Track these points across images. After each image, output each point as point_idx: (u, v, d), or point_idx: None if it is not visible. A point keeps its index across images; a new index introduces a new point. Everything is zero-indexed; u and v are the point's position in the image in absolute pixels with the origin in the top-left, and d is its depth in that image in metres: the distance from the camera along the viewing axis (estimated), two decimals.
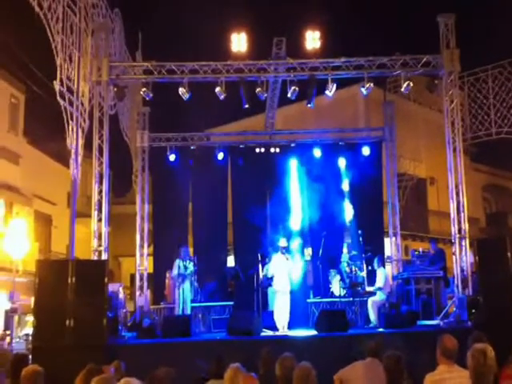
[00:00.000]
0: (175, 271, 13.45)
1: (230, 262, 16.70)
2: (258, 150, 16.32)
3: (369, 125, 20.71)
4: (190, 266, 13.43)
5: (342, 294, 13.62)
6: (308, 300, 14.17)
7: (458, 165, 12.51)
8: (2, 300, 19.38)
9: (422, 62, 12.77)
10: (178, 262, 13.45)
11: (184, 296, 13.24)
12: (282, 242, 12.79)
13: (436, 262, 14.07)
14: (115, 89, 12.64)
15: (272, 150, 16.34)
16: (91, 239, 11.88)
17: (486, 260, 10.58)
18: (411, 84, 12.66)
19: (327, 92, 12.88)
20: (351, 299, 13.38)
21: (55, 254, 23.13)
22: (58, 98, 11.12)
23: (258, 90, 12.81)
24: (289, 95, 13.04)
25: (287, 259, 12.69)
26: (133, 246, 16.11)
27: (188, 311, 13.18)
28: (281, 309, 12.37)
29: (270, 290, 13.31)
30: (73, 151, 11.63)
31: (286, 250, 12.93)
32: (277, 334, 11.85)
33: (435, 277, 13.41)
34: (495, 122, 15.45)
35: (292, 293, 12.77)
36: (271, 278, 12.72)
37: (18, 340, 16.01)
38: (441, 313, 12.36)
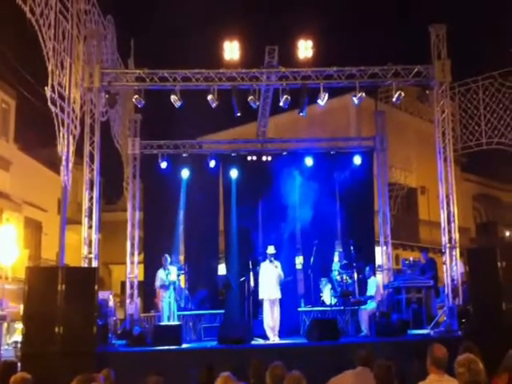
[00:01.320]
0: (157, 283, 13.43)
1: (222, 270, 16.64)
2: (249, 158, 16.31)
3: (360, 134, 20.75)
4: (172, 274, 13.36)
5: (333, 303, 13.61)
6: (299, 309, 14.14)
7: (448, 175, 12.54)
8: None
9: (413, 73, 12.82)
10: (159, 273, 13.44)
11: (169, 305, 13.13)
12: (270, 250, 12.68)
13: (427, 272, 14.14)
14: (107, 95, 12.62)
15: (264, 158, 16.33)
16: (81, 246, 11.80)
17: (477, 270, 10.63)
18: (402, 94, 12.73)
19: (319, 101, 12.89)
20: (342, 308, 13.35)
21: (45, 260, 22.99)
22: (50, 104, 11.07)
23: (250, 98, 12.81)
24: (281, 104, 13.02)
25: (276, 267, 12.57)
26: (123, 254, 16.00)
27: (173, 319, 13.06)
28: (268, 317, 12.28)
29: None
30: (64, 158, 11.58)
31: (275, 257, 12.79)
32: (267, 342, 11.80)
33: (426, 286, 13.46)
34: (485, 132, 15.53)
35: (283, 301, 12.69)
36: None
37: (6, 347, 15.93)
38: (431, 322, 12.38)
